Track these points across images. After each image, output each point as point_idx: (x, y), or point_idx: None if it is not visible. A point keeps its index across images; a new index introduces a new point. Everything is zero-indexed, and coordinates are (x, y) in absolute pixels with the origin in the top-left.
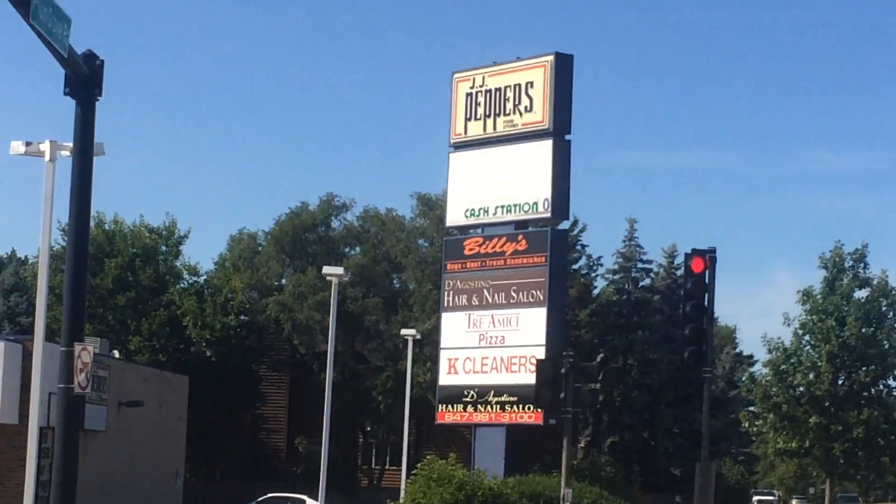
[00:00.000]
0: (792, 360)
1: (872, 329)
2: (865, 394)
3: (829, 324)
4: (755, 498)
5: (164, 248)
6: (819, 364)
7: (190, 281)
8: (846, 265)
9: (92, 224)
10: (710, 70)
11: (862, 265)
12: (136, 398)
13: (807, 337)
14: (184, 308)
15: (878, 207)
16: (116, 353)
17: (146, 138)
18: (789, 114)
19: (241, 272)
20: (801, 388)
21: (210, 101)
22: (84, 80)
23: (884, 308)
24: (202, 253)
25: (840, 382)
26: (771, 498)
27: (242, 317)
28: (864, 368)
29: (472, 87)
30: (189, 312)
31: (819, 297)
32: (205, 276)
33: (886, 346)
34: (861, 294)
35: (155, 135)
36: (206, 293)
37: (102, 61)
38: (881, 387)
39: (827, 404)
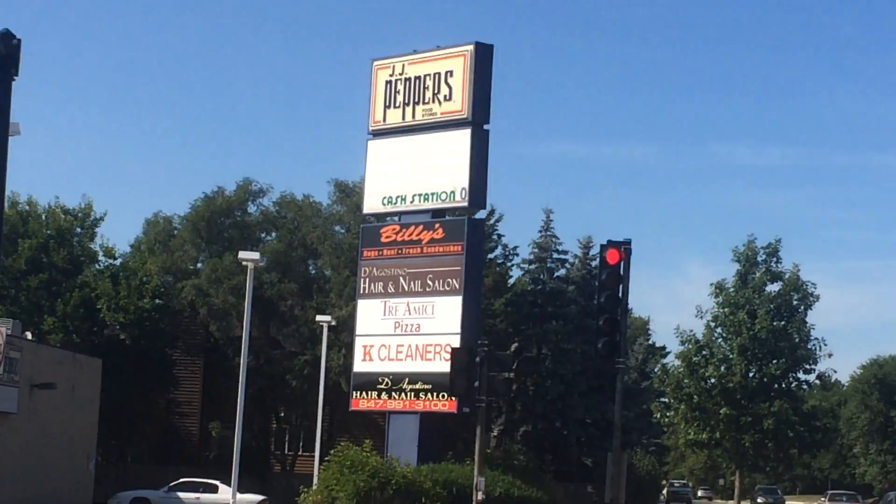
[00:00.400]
0: (704, 353)
1: (783, 322)
2: (776, 386)
3: (741, 317)
4: (666, 490)
5: (79, 229)
6: (730, 356)
7: (105, 263)
8: (759, 259)
9: (6, 205)
10: (629, 64)
11: (774, 259)
12: (48, 380)
13: (719, 329)
14: (98, 290)
15: (792, 202)
16: (29, 335)
17: (63, 120)
18: (705, 108)
19: (156, 255)
20: (713, 380)
21: (128, 83)
22: (0, 59)
23: (795, 302)
24: (118, 236)
25: (751, 375)
26: (687, 489)
27: (157, 300)
28: (774, 361)
29: (391, 75)
30: (103, 295)
31: (731, 290)
32: (120, 259)
33: (797, 340)
34: (773, 288)
35: (72, 116)
36: (120, 276)
37: (19, 41)
38: (791, 380)
39: (738, 396)
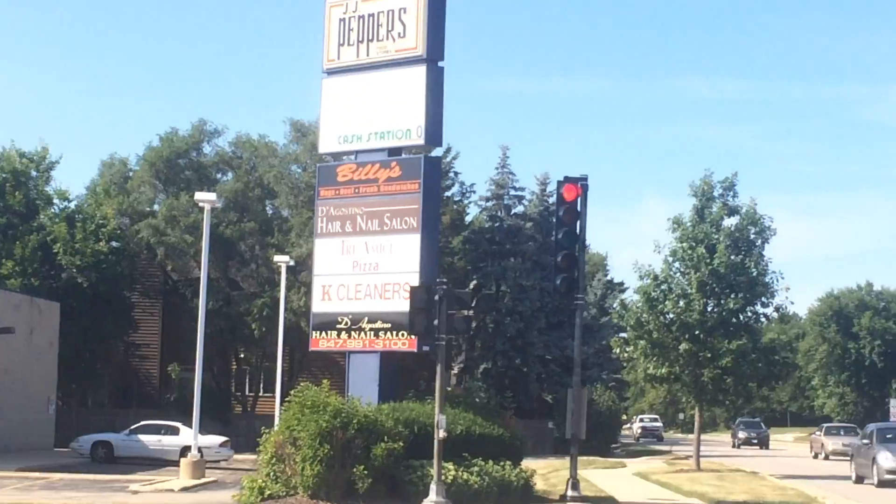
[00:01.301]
0: (662, 287)
1: (741, 257)
2: (734, 321)
3: (699, 251)
4: (635, 425)
5: (34, 173)
6: (689, 291)
7: (61, 206)
8: (715, 194)
9: None
10: None
11: (731, 194)
12: (6, 325)
13: (677, 264)
14: (54, 234)
15: (749, 136)
16: None
17: (16, 63)
18: (662, 42)
19: (112, 198)
20: (672, 315)
21: (81, 25)
22: None
23: (752, 236)
24: (74, 179)
25: (710, 309)
26: (658, 425)
27: (114, 243)
28: (732, 296)
29: (344, 13)
30: (59, 238)
31: (689, 225)
32: (76, 202)
33: (755, 274)
34: (730, 222)
35: (26, 60)
36: (77, 219)
37: None
38: (749, 313)
39: (697, 331)
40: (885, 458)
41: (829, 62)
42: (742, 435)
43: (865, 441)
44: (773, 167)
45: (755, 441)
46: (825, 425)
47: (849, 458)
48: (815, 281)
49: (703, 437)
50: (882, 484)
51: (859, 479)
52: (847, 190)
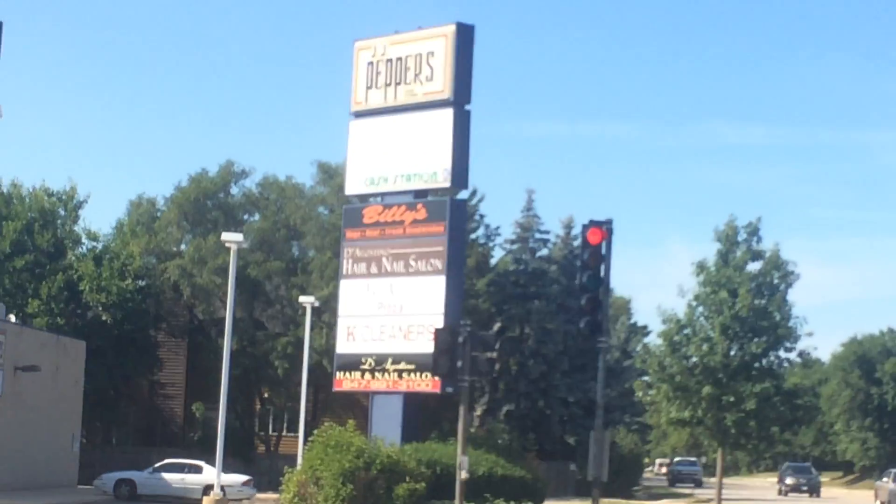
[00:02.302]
0: (685, 332)
1: (764, 301)
2: (757, 365)
3: (722, 295)
4: (665, 468)
5: (62, 212)
6: (712, 335)
7: (89, 246)
8: (739, 238)
9: None
10: (611, 41)
11: (755, 238)
12: (32, 363)
13: (700, 308)
14: (81, 272)
15: (775, 181)
16: (13, 318)
17: (46, 102)
18: (688, 86)
19: (139, 237)
20: (695, 359)
21: (111, 65)
22: None
23: (775, 280)
24: (101, 219)
25: (732, 354)
26: (696, 469)
27: (140, 281)
28: (755, 340)
29: (373, 56)
30: (86, 276)
31: (713, 269)
32: (103, 242)
33: (778, 318)
34: (754, 267)
35: (55, 98)
36: (103, 258)
37: (1, 22)
38: (772, 358)
39: (720, 375)
40: None
41: (856, 107)
42: (790, 481)
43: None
44: (798, 212)
45: (805, 488)
46: (894, 471)
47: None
48: (838, 326)
49: (736, 481)
50: None
51: None
52: (872, 236)
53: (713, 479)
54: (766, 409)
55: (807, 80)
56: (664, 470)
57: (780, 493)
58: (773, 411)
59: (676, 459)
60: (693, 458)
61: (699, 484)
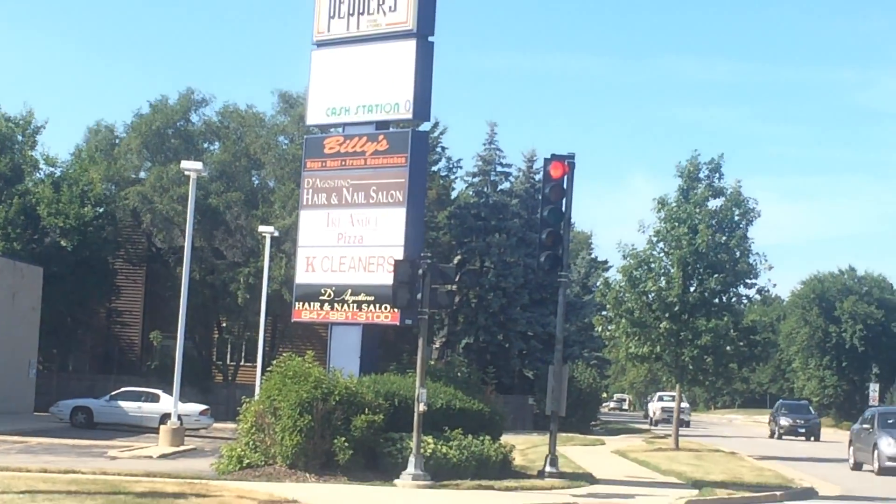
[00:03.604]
0: (644, 267)
1: (724, 238)
2: (716, 301)
3: (682, 231)
4: (656, 405)
5: (20, 137)
6: (671, 271)
7: (47, 171)
8: (701, 175)
9: None
10: None
11: (717, 175)
12: None
13: (661, 245)
14: (38, 196)
15: (738, 118)
16: None
17: (3, 27)
18: (655, 22)
19: (98, 164)
20: (653, 294)
21: None
22: None
23: (736, 217)
24: (59, 146)
25: (692, 290)
26: (684, 405)
27: (99, 208)
28: (714, 276)
29: None
30: (44, 200)
31: (673, 205)
32: (61, 168)
33: (738, 255)
34: (715, 203)
35: (12, 24)
36: (62, 183)
37: None
38: (731, 294)
39: (677, 310)
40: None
41: (822, 46)
42: (785, 422)
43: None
44: (762, 150)
45: (802, 430)
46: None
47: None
48: (799, 264)
49: (695, 418)
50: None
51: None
52: (835, 174)
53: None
54: (724, 344)
55: (772, 17)
56: (657, 410)
57: (772, 435)
58: (731, 347)
59: (659, 395)
60: (672, 394)
61: (686, 425)
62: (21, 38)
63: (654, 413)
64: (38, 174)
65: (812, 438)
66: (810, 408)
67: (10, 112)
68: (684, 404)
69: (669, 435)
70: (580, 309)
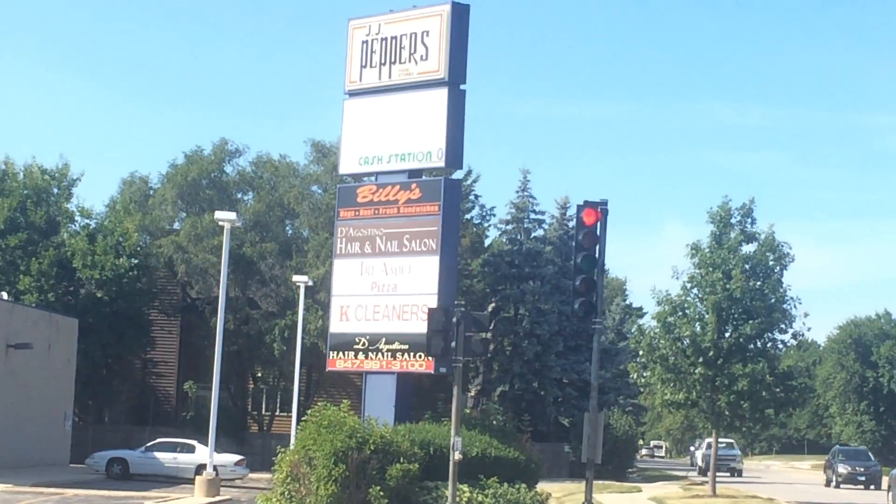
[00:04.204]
0: (678, 313)
1: (759, 283)
2: (751, 346)
3: (716, 276)
4: (704, 452)
5: (56, 189)
6: (705, 316)
7: (82, 224)
8: (733, 220)
9: None
10: (607, 22)
11: (749, 220)
12: (24, 340)
13: (694, 290)
14: (73, 248)
15: (772, 163)
16: (5, 295)
17: (39, 79)
18: (687, 67)
19: (132, 215)
20: (687, 340)
21: (104, 42)
22: None
23: (770, 262)
24: (93, 197)
25: (727, 335)
26: (735, 453)
27: (134, 259)
28: (749, 321)
29: (367, 35)
30: (79, 252)
31: (706, 251)
32: (97, 220)
33: (772, 301)
34: (749, 249)
35: (47, 76)
36: (97, 235)
37: None
38: (766, 339)
39: (711, 355)
40: None
41: (854, 90)
42: (843, 470)
43: None
44: (795, 194)
45: (862, 478)
46: None
47: (887, 490)
48: (834, 309)
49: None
50: None
51: None
52: (868, 218)
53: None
54: (760, 390)
55: (804, 61)
56: (699, 455)
57: (828, 483)
58: (767, 392)
59: (707, 441)
60: (730, 440)
61: (738, 473)
62: (55, 88)
63: (704, 460)
64: (72, 226)
65: (872, 487)
66: (869, 454)
67: (45, 164)
68: (735, 451)
69: (707, 482)
70: (615, 356)
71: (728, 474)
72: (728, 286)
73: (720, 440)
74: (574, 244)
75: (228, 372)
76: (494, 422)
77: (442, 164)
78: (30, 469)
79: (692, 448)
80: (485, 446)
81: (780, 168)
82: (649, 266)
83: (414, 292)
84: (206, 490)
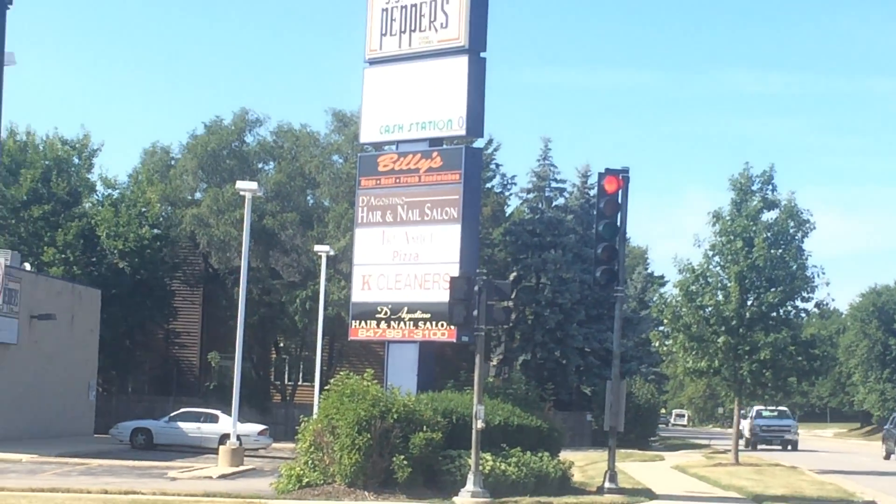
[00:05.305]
0: (701, 281)
1: (780, 251)
2: (774, 314)
3: (738, 245)
4: (753, 422)
5: (77, 160)
6: (728, 285)
7: (105, 193)
8: (753, 187)
9: (4, 135)
10: None
11: (769, 187)
12: (47, 311)
13: (716, 258)
14: (98, 219)
15: (794, 130)
16: (28, 266)
17: (59, 50)
18: (707, 34)
19: (154, 185)
20: (710, 309)
21: (124, 12)
22: None
23: (791, 229)
24: (115, 168)
25: (749, 303)
26: (788, 423)
27: (156, 230)
28: (772, 290)
29: (387, 3)
30: (103, 222)
31: (727, 218)
32: (119, 190)
33: (794, 268)
34: (770, 216)
35: (68, 47)
36: (120, 205)
37: None
38: (789, 308)
39: (734, 324)
40: None
41: (876, 56)
42: None
43: None
44: (819, 161)
45: None
46: None
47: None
48: (857, 276)
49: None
50: None
51: None
52: (890, 185)
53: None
54: (782, 358)
55: (826, 28)
56: (746, 426)
57: (888, 456)
58: (790, 361)
59: (757, 409)
60: (783, 408)
61: (793, 446)
62: (76, 60)
63: (753, 432)
64: (95, 196)
65: None
66: None
67: (66, 135)
68: (789, 420)
69: (729, 450)
70: (637, 324)
71: (780, 448)
72: (750, 254)
73: (771, 408)
74: (595, 212)
75: (251, 342)
76: (517, 390)
77: (463, 132)
78: (54, 439)
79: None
80: (507, 415)
81: (802, 135)
82: (671, 234)
83: (436, 261)
84: (229, 460)
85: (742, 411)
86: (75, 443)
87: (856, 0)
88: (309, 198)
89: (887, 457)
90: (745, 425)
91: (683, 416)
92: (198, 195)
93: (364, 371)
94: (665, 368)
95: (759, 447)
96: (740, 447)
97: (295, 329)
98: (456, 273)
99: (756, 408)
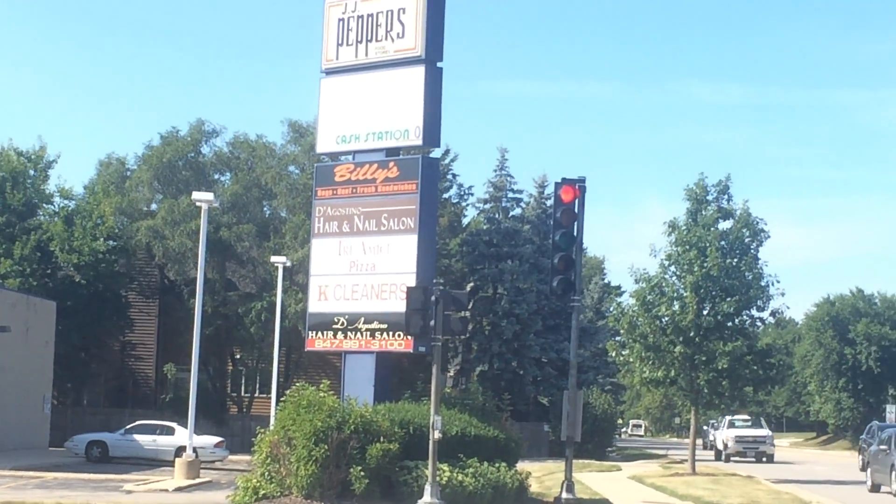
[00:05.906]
0: (657, 291)
1: (735, 260)
2: (730, 324)
3: (692, 255)
4: (728, 433)
5: (32, 172)
6: (684, 294)
7: (61, 204)
8: (709, 197)
9: None
10: (584, 1)
11: (725, 197)
12: (2, 323)
13: (672, 268)
14: (51, 232)
15: (749, 140)
16: None
17: (14, 62)
18: (663, 46)
19: (110, 197)
20: (667, 319)
21: (77, 23)
22: None
23: (746, 239)
24: (72, 178)
25: (705, 313)
26: (764, 433)
27: (112, 242)
28: (727, 299)
29: (343, 13)
30: (56, 236)
31: (683, 228)
32: (74, 202)
33: (749, 277)
34: (725, 226)
35: (22, 58)
36: (75, 218)
37: None
38: (745, 317)
39: (691, 334)
40: None
41: (831, 67)
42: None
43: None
44: (773, 172)
45: None
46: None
47: (865, 464)
48: (812, 286)
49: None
50: None
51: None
52: (846, 196)
53: (686, 440)
54: (739, 368)
55: (782, 39)
56: (729, 440)
57: (864, 467)
58: (746, 370)
59: (729, 419)
60: (746, 416)
61: (767, 458)
62: (32, 73)
63: (725, 444)
64: (51, 208)
65: None
66: None
67: (22, 147)
68: (764, 431)
69: (686, 460)
70: (594, 334)
71: (753, 460)
72: (705, 264)
73: (742, 417)
74: (552, 222)
75: (207, 354)
76: (474, 401)
77: (419, 142)
78: (9, 453)
79: (706, 427)
80: (464, 425)
81: (758, 146)
82: (629, 245)
83: (393, 271)
84: (185, 472)
85: (712, 421)
86: (30, 456)
87: (812, 13)
88: (265, 209)
89: (864, 468)
90: (718, 437)
91: (640, 426)
92: (154, 206)
93: (321, 382)
94: (622, 378)
95: (732, 459)
96: (711, 460)
97: (251, 340)
98: (413, 283)
99: (727, 417)
